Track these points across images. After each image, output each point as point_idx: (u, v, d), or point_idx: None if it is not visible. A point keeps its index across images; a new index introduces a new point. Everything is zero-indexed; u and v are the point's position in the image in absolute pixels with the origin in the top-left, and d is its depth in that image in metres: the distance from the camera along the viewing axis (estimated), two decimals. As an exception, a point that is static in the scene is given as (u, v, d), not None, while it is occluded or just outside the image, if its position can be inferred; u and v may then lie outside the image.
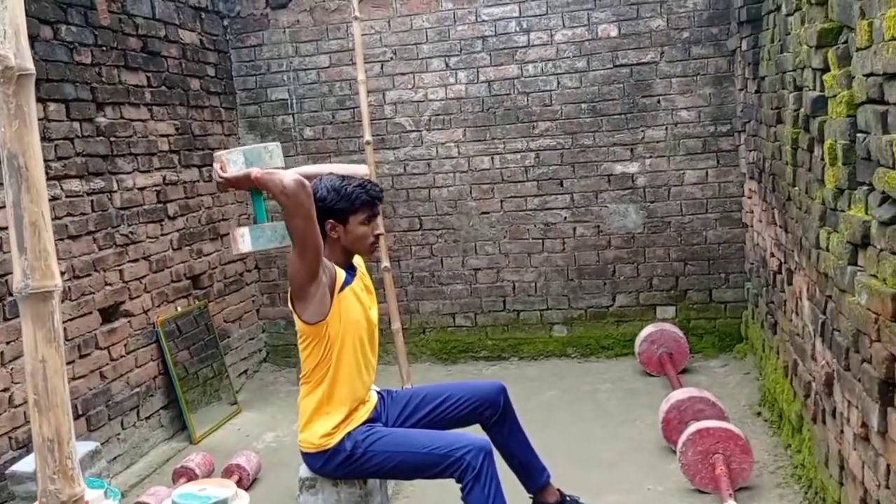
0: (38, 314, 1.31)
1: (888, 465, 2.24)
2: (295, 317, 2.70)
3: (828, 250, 2.79)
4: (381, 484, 3.06)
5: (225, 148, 5.38)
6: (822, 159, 2.82)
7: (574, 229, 5.31)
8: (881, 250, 2.21)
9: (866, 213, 2.37)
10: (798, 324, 3.47)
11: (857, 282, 2.38)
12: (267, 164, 2.66)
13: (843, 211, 2.60)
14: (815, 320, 3.06)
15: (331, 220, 2.74)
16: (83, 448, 3.32)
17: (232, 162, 2.62)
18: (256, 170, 2.59)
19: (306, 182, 2.50)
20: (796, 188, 3.34)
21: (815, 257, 2.99)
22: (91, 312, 4.01)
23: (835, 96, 2.65)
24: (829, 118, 2.75)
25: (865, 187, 2.39)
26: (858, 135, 2.44)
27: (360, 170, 3.00)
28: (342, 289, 2.71)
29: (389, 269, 4.30)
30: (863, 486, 2.51)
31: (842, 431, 2.75)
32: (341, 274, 2.73)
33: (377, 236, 2.85)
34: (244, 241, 2.67)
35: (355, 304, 2.78)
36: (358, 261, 2.94)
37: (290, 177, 2.48)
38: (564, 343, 5.43)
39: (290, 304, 2.71)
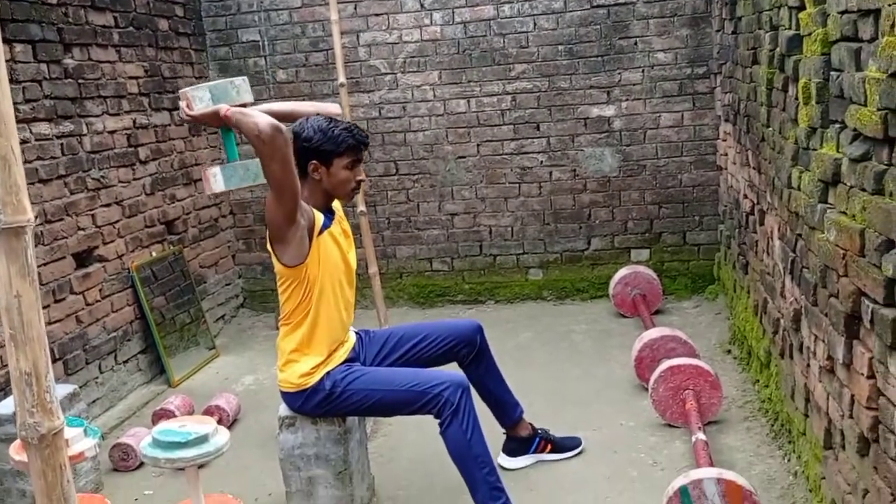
0: (11, 249, 1.30)
1: (852, 396, 2.31)
2: (274, 259, 2.70)
3: (799, 189, 2.83)
4: (360, 422, 3.11)
5: (197, 91, 5.30)
6: (796, 98, 2.83)
7: (550, 173, 5.32)
8: (851, 187, 2.25)
9: (838, 151, 2.40)
10: (769, 263, 3.53)
11: (827, 218, 2.42)
12: (234, 99, 2.62)
13: (815, 150, 2.63)
14: (785, 258, 3.12)
15: (314, 161, 2.71)
16: (61, 391, 3.32)
17: (198, 99, 2.58)
18: (226, 107, 2.57)
19: (282, 126, 2.47)
20: (770, 129, 3.36)
21: (786, 197, 3.03)
22: (64, 257, 3.97)
23: (810, 34, 2.65)
24: (803, 57, 2.76)
25: (838, 125, 2.41)
26: (832, 73, 2.45)
27: (332, 108, 2.96)
28: (321, 232, 2.71)
29: (366, 213, 4.30)
30: (827, 417, 2.59)
31: (808, 365, 2.82)
32: (320, 217, 2.72)
33: (359, 182, 2.83)
34: (216, 181, 2.64)
35: (333, 247, 2.78)
36: (336, 205, 2.93)
37: (265, 120, 2.44)
38: (540, 286, 5.48)
39: (269, 247, 2.70)
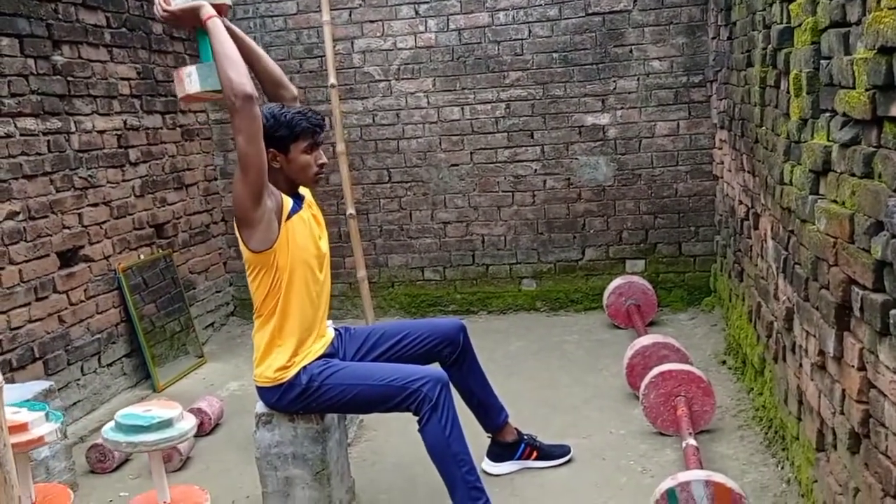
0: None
1: (843, 391, 2.23)
2: (241, 246, 2.62)
3: (791, 184, 2.77)
4: (339, 421, 3.02)
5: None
6: (788, 92, 2.78)
7: (544, 182, 5.26)
8: (841, 174, 2.19)
9: (828, 140, 2.34)
10: (762, 267, 3.46)
11: (817, 208, 2.36)
12: None
13: (806, 141, 2.57)
14: (777, 258, 3.05)
15: (272, 150, 2.62)
16: (36, 387, 3.25)
17: None
18: (209, 9, 2.45)
19: (255, 94, 2.40)
20: (763, 128, 3.31)
21: (779, 193, 2.97)
22: (48, 255, 3.91)
23: (800, 25, 2.61)
24: (794, 49, 2.72)
25: (828, 114, 2.36)
26: (822, 62, 2.41)
27: (291, 87, 2.88)
28: (290, 216, 2.64)
29: (354, 216, 4.24)
30: (819, 417, 2.51)
31: (800, 365, 2.74)
32: (288, 202, 2.65)
33: (321, 166, 2.75)
34: (191, 80, 2.49)
35: (304, 232, 2.70)
36: (305, 191, 2.86)
37: (241, 83, 2.36)
38: (533, 297, 5.40)
39: (236, 232, 2.64)
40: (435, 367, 2.85)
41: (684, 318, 5.09)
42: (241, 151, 2.41)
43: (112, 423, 2.31)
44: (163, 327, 4.73)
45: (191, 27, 2.58)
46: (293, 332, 2.69)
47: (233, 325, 5.69)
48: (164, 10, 2.49)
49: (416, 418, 2.68)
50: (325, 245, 2.81)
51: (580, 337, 4.88)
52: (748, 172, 3.77)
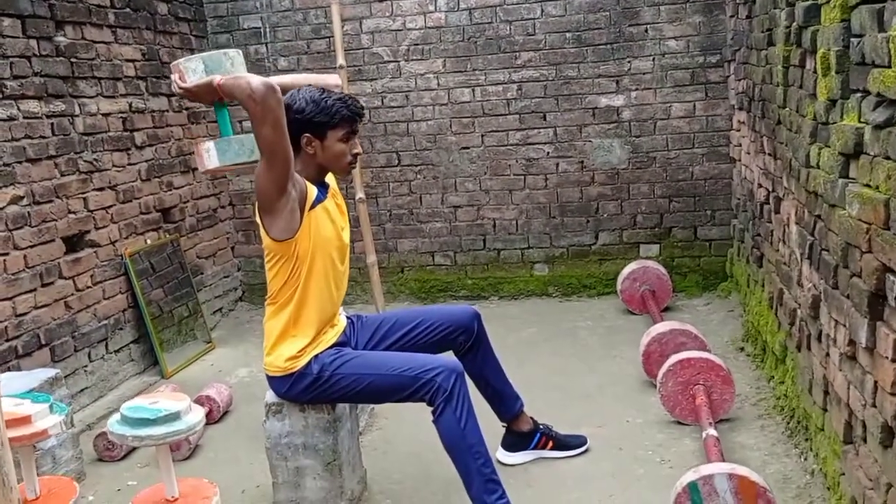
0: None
1: (875, 383, 2.14)
2: (262, 232, 2.56)
3: (818, 167, 2.67)
4: (351, 411, 2.96)
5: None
6: (814, 72, 2.68)
7: (557, 165, 5.16)
8: (874, 157, 2.09)
9: (859, 121, 2.24)
10: (785, 252, 3.37)
11: (849, 192, 2.26)
12: (228, 71, 2.51)
13: (835, 123, 2.47)
14: (802, 244, 2.95)
15: (307, 134, 2.57)
16: (42, 375, 3.19)
17: (191, 70, 2.47)
18: (219, 77, 2.44)
19: (276, 86, 2.35)
20: (787, 109, 3.21)
21: (804, 177, 2.87)
22: (54, 240, 3.84)
23: (828, 1, 2.50)
24: (821, 27, 2.61)
25: (859, 94, 2.25)
26: (852, 40, 2.30)
27: (331, 80, 2.82)
28: (313, 206, 2.57)
29: (364, 200, 4.15)
30: (848, 408, 2.42)
31: (827, 354, 2.66)
32: (313, 190, 2.58)
33: (355, 155, 2.69)
34: (210, 156, 2.52)
35: (327, 222, 2.63)
36: (330, 179, 2.79)
37: (257, 80, 2.34)
38: (546, 282, 5.32)
39: (257, 219, 2.57)
40: (449, 357, 2.78)
41: (700, 303, 5.00)
42: (266, 141, 2.34)
43: (118, 416, 2.24)
44: (170, 313, 4.68)
45: (209, 102, 2.54)
46: (310, 323, 2.62)
47: (241, 310, 5.63)
48: (180, 87, 2.49)
49: (430, 409, 2.62)
50: (346, 236, 2.74)
51: (594, 323, 4.80)
52: (769, 155, 3.67)
